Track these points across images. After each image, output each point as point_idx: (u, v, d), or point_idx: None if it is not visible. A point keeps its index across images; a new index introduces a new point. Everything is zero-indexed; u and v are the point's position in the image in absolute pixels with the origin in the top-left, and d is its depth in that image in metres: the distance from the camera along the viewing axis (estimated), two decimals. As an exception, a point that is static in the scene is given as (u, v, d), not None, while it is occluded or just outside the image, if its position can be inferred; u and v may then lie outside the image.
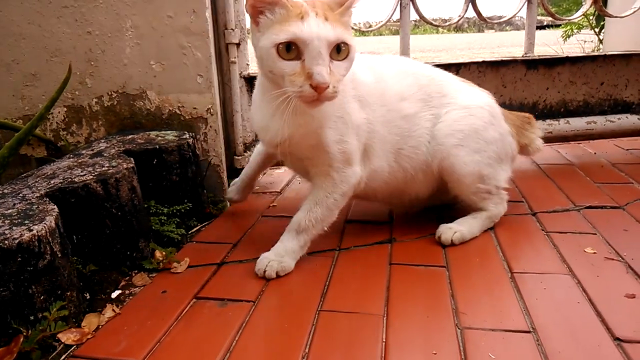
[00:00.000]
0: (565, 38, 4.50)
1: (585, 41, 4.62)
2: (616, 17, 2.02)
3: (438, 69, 1.46)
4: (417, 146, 1.35)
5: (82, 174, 1.20)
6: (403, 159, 1.34)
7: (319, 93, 0.99)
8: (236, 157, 1.84)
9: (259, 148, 1.55)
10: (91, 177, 1.17)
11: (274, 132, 1.17)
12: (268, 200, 1.74)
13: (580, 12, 2.01)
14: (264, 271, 1.19)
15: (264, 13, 1.03)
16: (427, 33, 11.62)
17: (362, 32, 11.84)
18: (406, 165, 1.35)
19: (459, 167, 1.33)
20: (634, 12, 1.98)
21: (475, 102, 1.39)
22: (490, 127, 1.37)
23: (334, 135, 1.19)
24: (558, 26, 6.12)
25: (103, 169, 1.22)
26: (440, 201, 1.50)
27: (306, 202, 1.26)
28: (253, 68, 1.95)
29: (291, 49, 0.99)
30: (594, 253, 1.27)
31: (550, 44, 5.60)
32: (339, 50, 1.02)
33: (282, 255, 1.23)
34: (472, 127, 1.35)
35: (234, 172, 1.86)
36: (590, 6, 1.97)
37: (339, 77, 1.02)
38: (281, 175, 2.05)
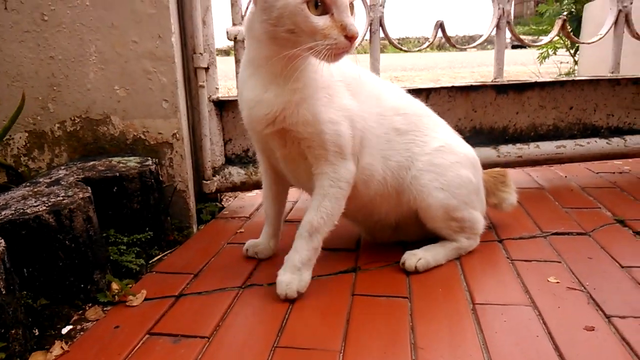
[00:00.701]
0: (542, 60, 4.57)
1: (561, 62, 4.70)
2: (583, 43, 2.05)
3: (418, 100, 1.46)
4: (400, 164, 1.34)
5: (35, 204, 1.16)
6: (387, 170, 1.33)
7: (351, 43, 1.04)
8: (205, 182, 1.82)
9: (264, 187, 1.45)
10: (44, 207, 1.14)
11: (268, 104, 1.15)
12: (236, 226, 1.71)
13: (547, 39, 2.04)
14: (285, 294, 1.19)
15: None
16: (410, 52, 11.78)
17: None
18: (388, 178, 1.33)
19: (435, 203, 1.33)
20: (600, 38, 2.01)
21: (462, 147, 1.42)
22: (470, 170, 1.39)
23: (325, 113, 1.18)
24: (538, 45, 6.23)
25: (58, 199, 1.19)
26: (405, 237, 1.46)
27: (313, 200, 1.24)
28: (222, 92, 1.94)
29: (318, 5, 1.03)
30: (557, 282, 1.26)
31: (528, 63, 5.69)
32: (351, 8, 1.07)
33: (298, 268, 1.22)
34: (452, 167, 1.35)
35: (202, 196, 1.84)
36: (558, 32, 1.99)
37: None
38: (252, 199, 2.03)
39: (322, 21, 1.03)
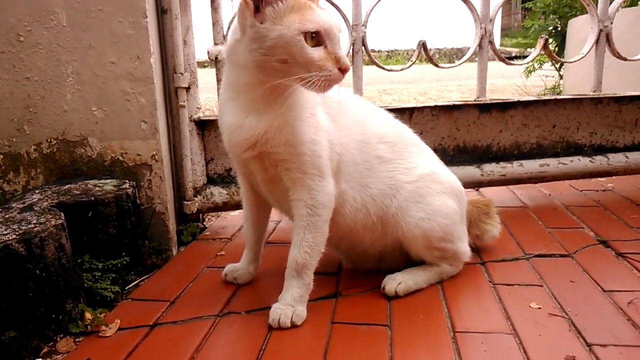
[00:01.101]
0: (527, 74, 4.60)
1: (547, 76, 4.73)
2: (565, 61, 2.05)
3: (406, 127, 1.45)
4: (383, 192, 1.31)
5: (5, 232, 1.13)
6: (367, 199, 1.31)
7: (343, 75, 1.06)
8: (185, 202, 1.79)
9: (244, 210, 1.43)
10: (14, 236, 1.11)
11: (249, 129, 1.15)
12: (216, 248, 1.69)
13: (530, 58, 2.05)
14: (278, 321, 1.18)
15: (272, 4, 1.04)
16: (400, 63, 11.84)
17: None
18: (369, 206, 1.31)
19: (420, 234, 1.31)
20: (582, 57, 2.02)
21: (447, 176, 1.40)
22: (455, 200, 1.37)
23: (306, 134, 1.17)
24: (526, 57, 6.29)
25: (29, 226, 1.16)
26: (389, 267, 1.41)
27: (294, 234, 1.23)
28: (206, 102, 1.92)
29: (313, 37, 1.04)
30: (539, 308, 1.25)
31: (514, 76, 5.73)
32: None
33: (291, 304, 1.21)
34: (438, 197, 1.34)
35: (183, 217, 1.81)
36: (540, 51, 2.00)
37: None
38: (235, 218, 2.01)
39: (317, 53, 1.05)
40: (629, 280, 1.38)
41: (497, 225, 1.56)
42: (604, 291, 1.32)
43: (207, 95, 4.48)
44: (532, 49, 5.32)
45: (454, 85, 6.71)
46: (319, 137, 1.20)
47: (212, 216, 2.05)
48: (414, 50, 1.96)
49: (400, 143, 1.36)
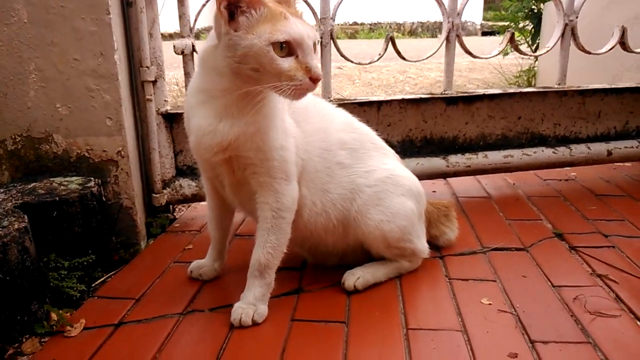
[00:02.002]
0: (504, 54, 4.62)
1: (523, 58, 4.76)
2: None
3: (369, 130, 1.47)
4: (343, 196, 1.35)
5: (-33, 236, 1.15)
6: (328, 203, 1.34)
7: (315, 84, 1.08)
8: (154, 195, 1.81)
9: (208, 210, 1.45)
10: (-24, 241, 1.13)
11: (222, 134, 1.16)
12: (184, 241, 1.72)
13: (495, 52, 2.08)
14: (240, 320, 1.22)
15: (246, 13, 1.05)
16: (382, 37, 11.75)
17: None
18: (330, 211, 1.35)
19: (380, 235, 1.36)
20: (547, 51, 2.05)
21: (407, 178, 1.43)
22: (414, 201, 1.41)
23: (277, 140, 1.20)
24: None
25: (-8, 230, 1.18)
26: (351, 262, 1.46)
27: (258, 235, 1.26)
28: (173, 104, 1.93)
29: (283, 47, 1.05)
30: (489, 304, 1.31)
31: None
32: (314, 47, 1.09)
33: (253, 303, 1.25)
34: (397, 199, 1.37)
35: (152, 210, 1.83)
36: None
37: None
38: (205, 209, 2.02)
39: (287, 63, 1.05)
40: (578, 275, 1.45)
41: (455, 229, 1.61)
42: (553, 286, 1.39)
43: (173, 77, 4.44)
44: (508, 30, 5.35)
45: (434, 64, 6.72)
46: (288, 143, 1.23)
47: (183, 207, 2.07)
48: (398, 24, 1.98)
49: (362, 148, 1.39)
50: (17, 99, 1.52)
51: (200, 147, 1.21)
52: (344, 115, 1.44)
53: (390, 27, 13.08)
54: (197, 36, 1.94)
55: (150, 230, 1.78)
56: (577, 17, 2.02)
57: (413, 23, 13.83)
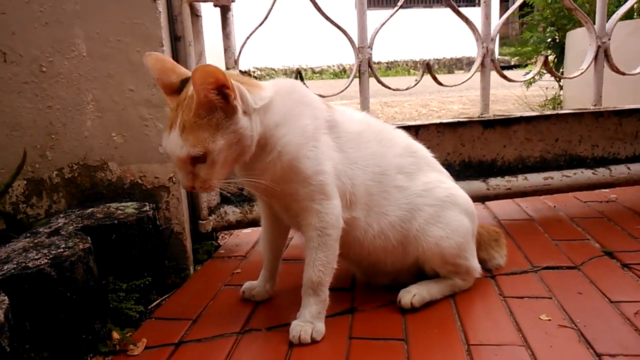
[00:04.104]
0: (528, 85, 4.67)
1: (547, 87, 4.80)
2: (564, 77, 2.11)
3: (427, 151, 1.50)
4: (402, 217, 1.37)
5: (36, 257, 1.19)
6: (385, 225, 1.36)
7: (189, 190, 1.19)
8: (201, 222, 1.84)
9: (262, 230, 1.49)
10: (45, 260, 1.16)
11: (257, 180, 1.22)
12: (232, 266, 1.74)
13: (531, 74, 2.11)
14: (299, 337, 1.23)
15: None
16: (399, 75, 11.94)
17: (335, 75, 12.16)
18: (388, 233, 1.36)
19: (438, 252, 1.37)
20: (581, 73, 2.08)
21: (463, 197, 1.46)
22: (469, 220, 1.43)
23: (309, 168, 1.22)
24: (525, 66, 6.38)
25: (59, 250, 1.22)
26: (401, 282, 1.46)
27: (307, 255, 1.28)
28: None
29: None
30: (549, 320, 1.29)
31: (514, 86, 5.81)
32: (198, 157, 1.10)
33: (310, 321, 1.26)
34: (456, 217, 1.39)
35: (198, 236, 1.86)
36: (541, 68, 2.06)
37: (204, 177, 1.12)
38: (248, 235, 2.06)
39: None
40: (635, 290, 1.43)
41: (504, 256, 1.61)
42: (611, 302, 1.37)
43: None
44: (531, 60, 5.41)
45: (455, 97, 6.79)
46: (323, 167, 1.25)
47: (225, 234, 2.10)
48: (414, 62, 2.03)
49: (419, 170, 1.41)
50: (75, 129, 1.58)
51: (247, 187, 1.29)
52: (404, 138, 1.47)
53: (406, 64, 13.32)
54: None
55: (197, 257, 1.81)
56: (609, 39, 2.05)
57: (430, 60, 14.09)
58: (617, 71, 2.08)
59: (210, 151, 1.09)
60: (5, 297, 1.03)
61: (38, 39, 1.52)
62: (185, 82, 1.16)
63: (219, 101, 1.08)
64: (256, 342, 1.26)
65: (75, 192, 1.62)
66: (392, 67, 12.72)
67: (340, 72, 12.36)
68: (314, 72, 12.12)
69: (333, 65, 12.42)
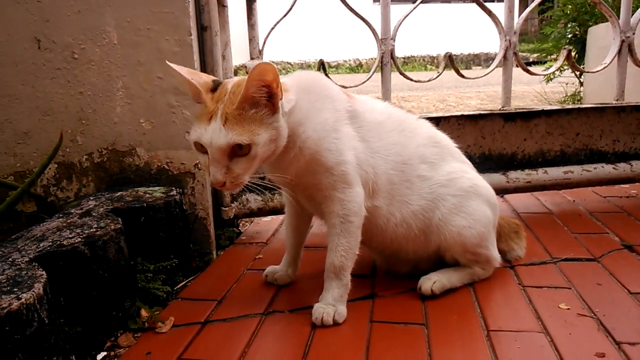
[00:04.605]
0: (547, 80, 4.64)
1: (567, 83, 4.76)
2: (587, 72, 2.11)
3: (450, 141, 1.51)
4: (424, 206, 1.39)
5: (70, 236, 1.23)
6: (408, 214, 1.38)
7: (216, 188, 1.16)
8: (223, 208, 1.88)
9: (286, 216, 1.52)
10: (79, 239, 1.21)
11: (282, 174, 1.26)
12: (254, 252, 1.77)
13: (554, 68, 2.12)
14: (321, 319, 1.26)
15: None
16: (416, 70, 11.89)
17: (352, 69, 12.15)
18: (411, 222, 1.39)
19: (460, 240, 1.39)
20: (604, 67, 2.07)
21: (486, 188, 1.47)
22: (491, 210, 1.45)
23: (330, 160, 1.25)
24: (544, 62, 6.33)
25: (91, 230, 1.26)
26: (421, 270, 1.48)
27: (329, 241, 1.31)
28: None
29: (200, 146, 1.15)
30: (568, 309, 1.31)
31: (534, 82, 5.76)
32: (241, 147, 1.11)
33: (332, 304, 1.29)
34: (479, 207, 1.41)
35: (221, 222, 1.90)
36: (563, 62, 2.06)
37: (239, 171, 1.13)
38: (268, 223, 2.09)
39: (203, 158, 1.18)
40: (655, 283, 1.44)
41: (523, 248, 1.63)
42: (631, 293, 1.38)
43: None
44: (551, 56, 5.36)
45: (473, 92, 6.76)
46: (345, 157, 1.27)
47: (246, 222, 2.14)
48: (431, 57, 2.04)
49: (442, 161, 1.43)
50: (105, 115, 1.63)
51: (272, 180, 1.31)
52: (427, 128, 1.48)
53: (423, 60, 13.26)
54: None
55: (220, 242, 1.85)
56: (633, 34, 2.04)
57: (446, 53, 13.97)
58: (641, 66, 2.07)
59: (255, 143, 1.10)
60: (44, 272, 1.07)
61: (71, 27, 1.57)
62: (218, 83, 1.20)
63: (263, 98, 1.11)
64: (280, 323, 1.29)
65: (104, 177, 1.67)
66: (409, 63, 12.67)
67: (357, 67, 12.36)
68: (330, 66, 12.11)
69: (349, 60, 12.43)
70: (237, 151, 1.11)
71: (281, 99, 1.14)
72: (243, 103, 1.10)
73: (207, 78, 1.21)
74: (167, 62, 1.21)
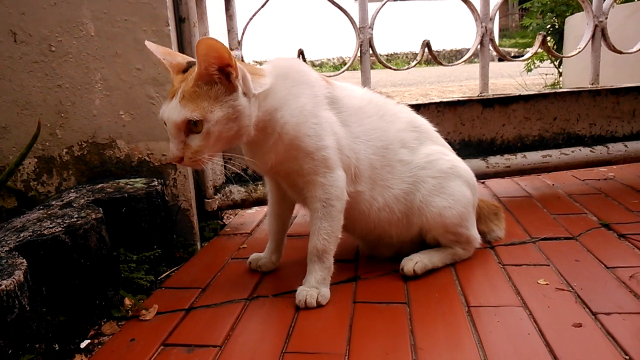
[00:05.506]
0: (527, 70, 4.71)
1: (546, 74, 4.83)
2: (563, 56, 2.15)
3: (430, 126, 1.54)
4: (406, 190, 1.41)
5: (51, 226, 1.23)
6: (390, 198, 1.40)
7: (175, 163, 1.20)
8: (207, 200, 1.88)
9: (269, 204, 1.53)
10: (60, 228, 1.21)
11: (262, 162, 1.29)
12: (238, 242, 1.78)
13: (529, 54, 2.15)
14: (305, 301, 1.27)
15: None
16: (399, 66, 11.95)
17: (336, 67, 12.18)
18: (393, 206, 1.41)
19: (441, 221, 1.41)
20: (579, 52, 2.11)
21: (465, 169, 1.50)
22: (471, 191, 1.47)
23: (310, 145, 1.26)
24: (521, 60, 6.41)
25: (72, 220, 1.26)
26: (403, 253, 1.49)
27: (312, 225, 1.32)
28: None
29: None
30: (546, 284, 1.34)
31: (514, 75, 5.83)
32: (196, 124, 1.12)
33: (316, 286, 1.30)
34: (459, 188, 1.44)
35: (204, 214, 1.90)
36: (539, 47, 2.09)
37: (195, 148, 1.14)
38: (252, 215, 2.10)
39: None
40: (631, 257, 1.47)
41: (503, 229, 1.65)
42: (607, 268, 1.41)
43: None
44: (530, 48, 5.44)
45: (455, 86, 6.81)
46: (325, 142, 1.28)
47: (230, 214, 2.14)
48: (414, 54, 2.06)
49: (421, 145, 1.45)
50: (84, 107, 1.62)
51: (253, 167, 1.35)
52: (407, 113, 1.50)
53: (406, 57, 13.33)
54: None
55: (204, 234, 1.85)
56: (606, 18, 2.08)
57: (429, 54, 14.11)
58: (614, 50, 2.11)
59: (207, 119, 1.12)
60: (24, 260, 1.07)
61: (47, 19, 1.56)
62: (192, 64, 1.20)
63: (218, 76, 1.12)
64: (264, 307, 1.30)
65: (85, 170, 1.66)
66: (392, 60, 12.73)
67: (341, 65, 12.38)
68: (314, 64, 12.13)
69: (333, 58, 12.45)
70: (192, 128, 1.12)
71: (237, 77, 1.14)
72: (198, 80, 1.12)
73: (182, 59, 1.21)
74: (146, 41, 1.21)
